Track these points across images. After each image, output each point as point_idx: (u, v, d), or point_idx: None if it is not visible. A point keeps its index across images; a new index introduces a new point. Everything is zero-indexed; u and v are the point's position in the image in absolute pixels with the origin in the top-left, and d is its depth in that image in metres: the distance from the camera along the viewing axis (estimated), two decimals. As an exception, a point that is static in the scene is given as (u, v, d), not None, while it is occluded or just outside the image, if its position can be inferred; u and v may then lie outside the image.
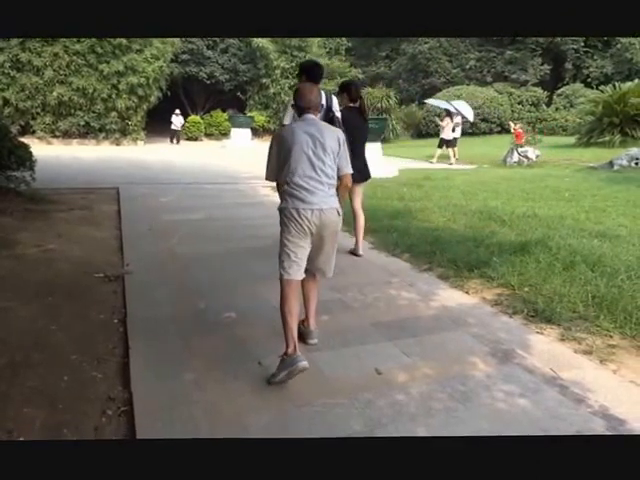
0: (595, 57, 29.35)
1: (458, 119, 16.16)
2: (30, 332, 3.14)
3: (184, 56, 23.47)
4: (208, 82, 24.81)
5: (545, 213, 6.51)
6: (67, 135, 19.11)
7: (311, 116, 2.76)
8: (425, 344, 3.10)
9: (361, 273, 4.45)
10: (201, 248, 5.10)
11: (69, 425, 2.26)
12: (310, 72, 4.00)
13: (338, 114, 4.36)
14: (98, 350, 2.96)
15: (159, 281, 4.13)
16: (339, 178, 2.80)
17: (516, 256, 4.49)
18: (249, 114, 24.35)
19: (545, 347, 3.09)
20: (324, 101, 3.75)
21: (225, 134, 23.54)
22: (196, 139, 23.98)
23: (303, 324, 3.00)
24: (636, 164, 11.66)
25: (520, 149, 14.13)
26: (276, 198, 2.98)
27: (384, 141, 16.02)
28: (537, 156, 14.00)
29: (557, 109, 27.51)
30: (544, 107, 28.01)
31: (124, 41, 18.34)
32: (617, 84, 18.64)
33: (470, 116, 17.48)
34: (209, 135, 24.85)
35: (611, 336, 3.18)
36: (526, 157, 13.91)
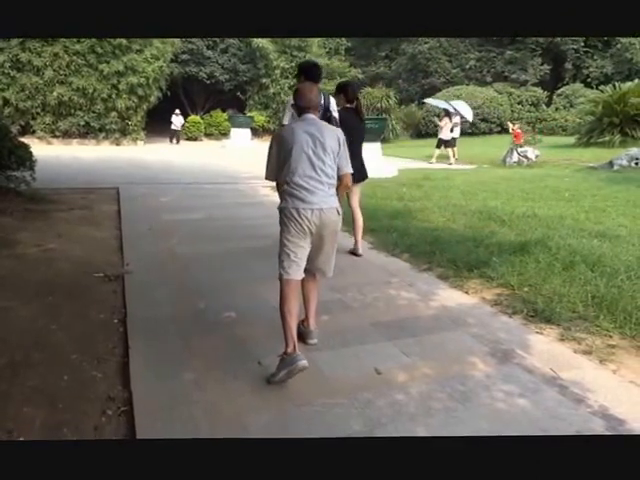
0: (595, 57, 29.35)
1: (457, 119, 16.14)
2: (30, 332, 3.14)
3: (184, 56, 23.50)
4: (208, 82, 24.83)
5: (545, 213, 6.50)
6: (67, 135, 19.13)
7: (311, 116, 2.76)
8: (425, 344, 3.10)
9: (361, 273, 4.45)
10: (201, 248, 5.10)
11: (69, 425, 2.27)
12: (308, 72, 4.02)
13: (335, 114, 4.38)
14: (98, 350, 2.97)
15: (159, 281, 4.13)
16: (339, 178, 2.80)
17: (516, 256, 4.49)
18: (249, 114, 24.39)
19: (545, 347, 3.09)
20: (322, 101, 3.76)
21: (225, 134, 23.55)
22: (196, 139, 24.00)
23: (303, 324, 3.00)
24: (636, 164, 11.66)
25: (520, 149, 14.12)
26: (276, 198, 2.98)
27: (384, 141, 16.00)
28: (537, 156, 13.99)
29: (557, 109, 27.51)
30: (544, 107, 28.01)
31: (124, 41, 18.36)
32: (617, 84, 18.62)
33: (469, 116, 17.46)
34: (209, 135, 24.86)
35: (611, 336, 3.18)
36: (526, 157, 13.90)
